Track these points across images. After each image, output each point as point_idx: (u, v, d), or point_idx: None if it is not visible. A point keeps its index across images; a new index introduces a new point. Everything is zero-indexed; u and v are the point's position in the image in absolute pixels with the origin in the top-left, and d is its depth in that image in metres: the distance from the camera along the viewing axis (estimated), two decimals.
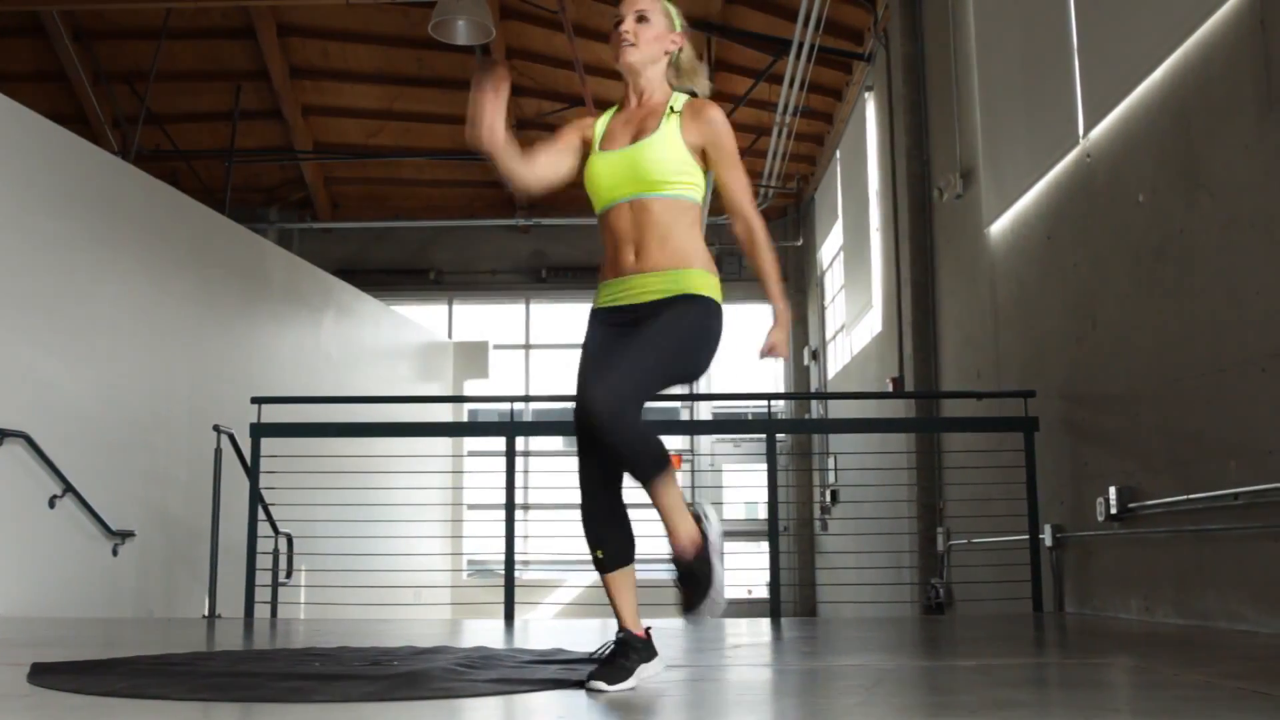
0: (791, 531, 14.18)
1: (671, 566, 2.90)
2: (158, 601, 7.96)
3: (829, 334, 13.47)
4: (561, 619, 12.03)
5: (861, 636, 5.08)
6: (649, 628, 2.97)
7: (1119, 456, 5.62)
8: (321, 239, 14.74)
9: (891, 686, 3.02)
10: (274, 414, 6.72)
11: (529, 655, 3.69)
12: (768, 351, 3.05)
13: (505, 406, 14.53)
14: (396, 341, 12.51)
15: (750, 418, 15.14)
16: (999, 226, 7.26)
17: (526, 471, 14.24)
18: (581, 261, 14.96)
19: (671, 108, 3.03)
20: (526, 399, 8.47)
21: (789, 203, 14.63)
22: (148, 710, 2.61)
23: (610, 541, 2.98)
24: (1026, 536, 6.45)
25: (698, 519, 2.95)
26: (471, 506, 13.04)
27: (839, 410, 11.94)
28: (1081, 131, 5.95)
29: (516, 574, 14.20)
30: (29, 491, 6.81)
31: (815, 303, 14.15)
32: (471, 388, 13.66)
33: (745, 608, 13.85)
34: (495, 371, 13.96)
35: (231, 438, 6.86)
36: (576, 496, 3.01)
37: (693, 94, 3.14)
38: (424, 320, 13.95)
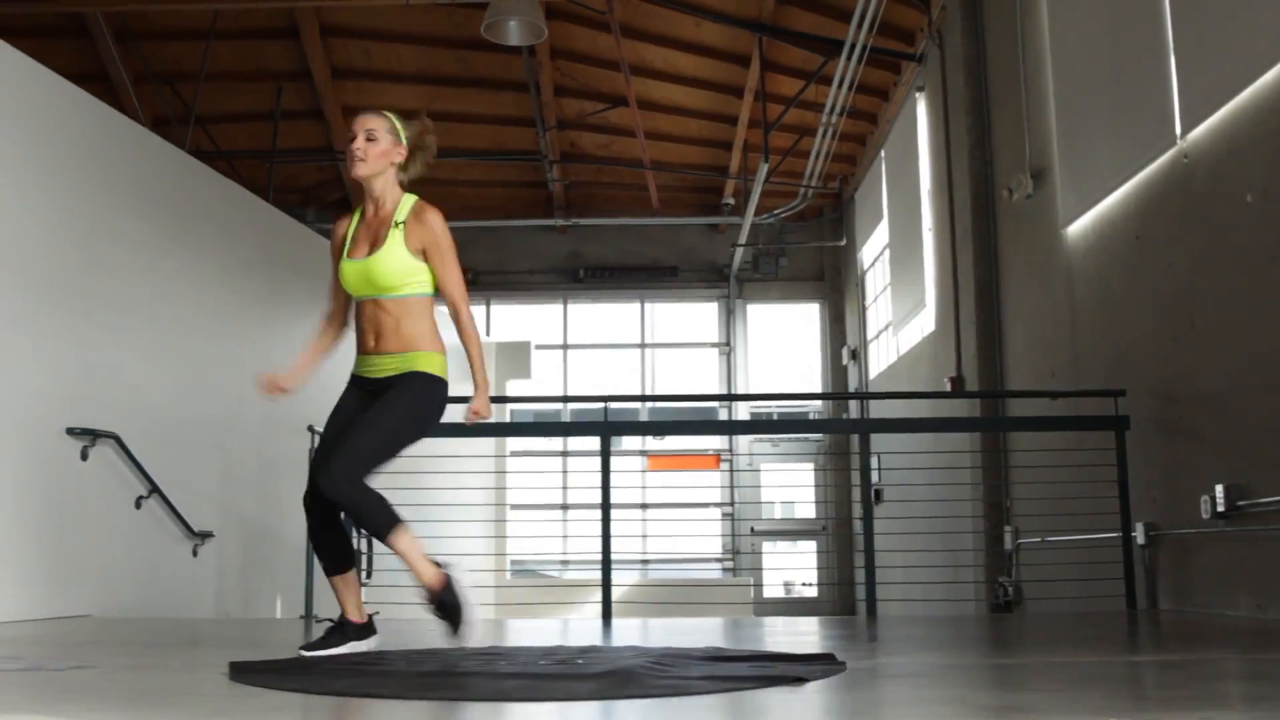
0: (830, 531, 14.25)
1: (426, 602, 3.59)
2: (232, 602, 7.97)
3: (870, 334, 13.52)
4: (620, 618, 11.96)
5: (971, 634, 5.11)
6: (372, 615, 3.74)
7: (1223, 455, 5.67)
8: None
9: (1103, 683, 3.05)
10: None
11: (701, 652, 3.71)
12: (472, 417, 3.81)
13: (547, 407, 14.64)
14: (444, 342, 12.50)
15: (775, 418, 15.20)
16: (1078, 227, 7.30)
17: (565, 471, 14.28)
18: (618, 261, 14.99)
19: (397, 220, 3.69)
20: (618, 399, 8.34)
21: (826, 203, 14.67)
22: (399, 711, 2.63)
23: (329, 554, 3.68)
24: (1112, 535, 6.50)
25: (439, 565, 3.63)
26: (515, 507, 13.06)
27: (888, 409, 11.95)
28: (1179, 133, 5.99)
29: (556, 573, 14.20)
30: (117, 492, 6.82)
31: (854, 303, 14.19)
32: (514, 388, 13.67)
33: (786, 606, 13.90)
34: (536, 371, 13.99)
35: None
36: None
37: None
38: None
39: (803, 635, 5.17)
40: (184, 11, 11.75)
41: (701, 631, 5.42)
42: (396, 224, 3.69)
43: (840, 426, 8.23)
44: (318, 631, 4.20)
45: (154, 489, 7.00)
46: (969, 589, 9.11)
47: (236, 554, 8.03)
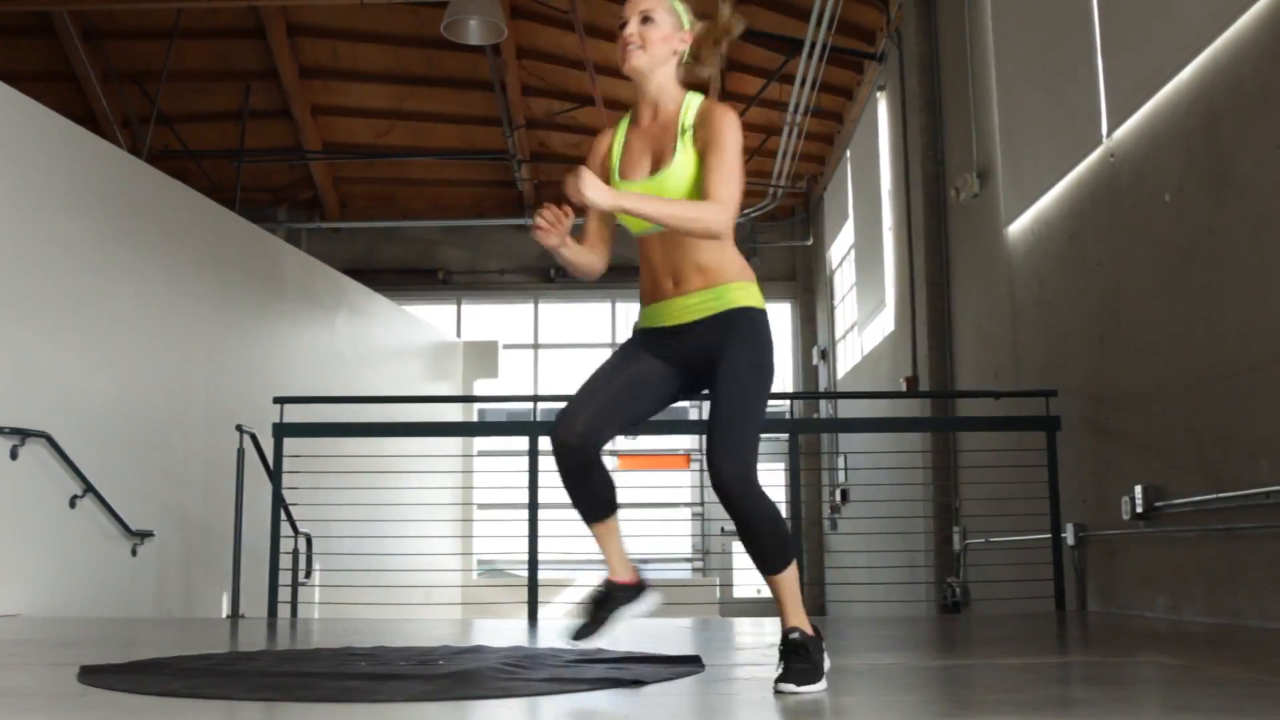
0: (801, 531, 14.20)
1: (784, 644, 2.79)
2: (175, 601, 7.96)
3: (839, 333, 13.49)
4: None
5: (898, 635, 5.09)
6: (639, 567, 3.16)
7: (1144, 455, 5.64)
8: (329, 239, 14.73)
9: (956, 685, 3.03)
10: (292, 414, 6.71)
11: (571, 655, 3.69)
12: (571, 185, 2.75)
13: (517, 406, 14.64)
14: (407, 341, 12.52)
15: None
16: (1018, 226, 7.27)
17: (537, 471, 14.23)
18: None
19: (684, 126, 2.91)
20: (540, 399, 8.38)
21: (797, 202, 14.64)
22: (210, 710, 2.62)
23: (589, 499, 3.08)
24: (1047, 535, 6.47)
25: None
26: (481, 506, 13.04)
27: (850, 409, 11.96)
28: (1105, 131, 5.96)
29: (524, 573, 14.20)
30: (50, 491, 6.82)
31: (824, 302, 14.16)
32: (481, 387, 13.67)
33: (756, 607, 13.86)
34: (504, 371, 13.96)
35: (254, 438, 6.86)
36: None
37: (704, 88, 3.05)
38: (432, 320, 13.95)
39: (729, 637, 5.14)
40: (150, 11, 11.76)
41: (630, 634, 5.37)
42: (684, 130, 2.91)
43: (771, 427, 8.24)
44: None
45: (89, 488, 6.99)
46: (923, 590, 9.09)
47: (179, 553, 8.02)
